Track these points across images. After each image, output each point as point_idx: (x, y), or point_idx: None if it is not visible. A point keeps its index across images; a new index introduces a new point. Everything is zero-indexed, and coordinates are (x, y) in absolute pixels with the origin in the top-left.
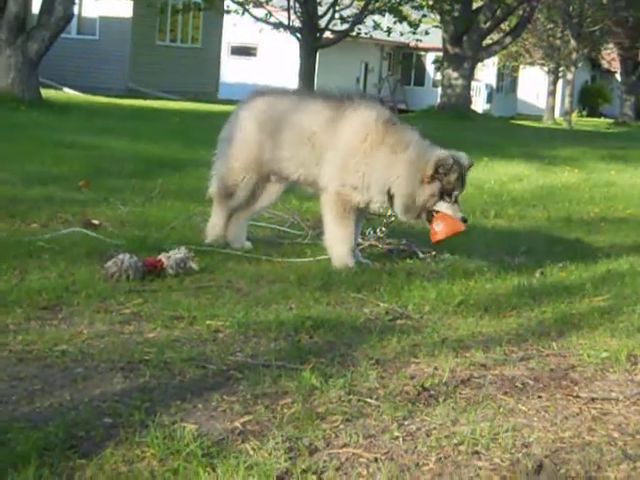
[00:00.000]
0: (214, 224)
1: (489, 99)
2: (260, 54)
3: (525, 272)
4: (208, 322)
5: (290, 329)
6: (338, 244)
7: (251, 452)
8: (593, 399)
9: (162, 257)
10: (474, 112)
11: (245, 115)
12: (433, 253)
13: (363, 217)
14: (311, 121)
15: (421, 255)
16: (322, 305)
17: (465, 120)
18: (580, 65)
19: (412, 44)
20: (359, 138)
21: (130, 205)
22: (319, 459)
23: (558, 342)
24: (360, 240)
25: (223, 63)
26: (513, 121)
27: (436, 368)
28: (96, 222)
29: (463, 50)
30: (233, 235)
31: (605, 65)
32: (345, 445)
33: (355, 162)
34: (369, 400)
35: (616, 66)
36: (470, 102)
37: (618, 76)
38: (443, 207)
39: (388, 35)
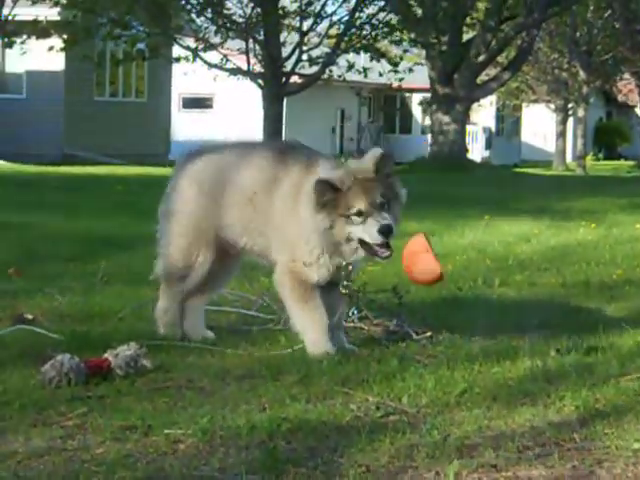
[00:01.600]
0: (165, 309)
1: (488, 145)
2: (217, 105)
3: (539, 351)
4: (166, 431)
5: (263, 434)
6: (309, 329)
7: None
8: None
9: (109, 356)
10: (471, 161)
11: (182, 181)
12: (429, 334)
13: (335, 287)
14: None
15: (415, 336)
16: (301, 403)
17: (461, 171)
18: (592, 100)
19: (394, 85)
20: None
21: (69, 294)
22: None
23: (581, 433)
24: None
25: (174, 118)
26: (517, 169)
27: (438, 473)
28: (29, 317)
29: (454, 89)
30: (190, 325)
31: (621, 98)
32: None
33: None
34: None
35: (634, 99)
36: (466, 150)
37: (638, 110)
38: (358, 233)
39: (365, 76)
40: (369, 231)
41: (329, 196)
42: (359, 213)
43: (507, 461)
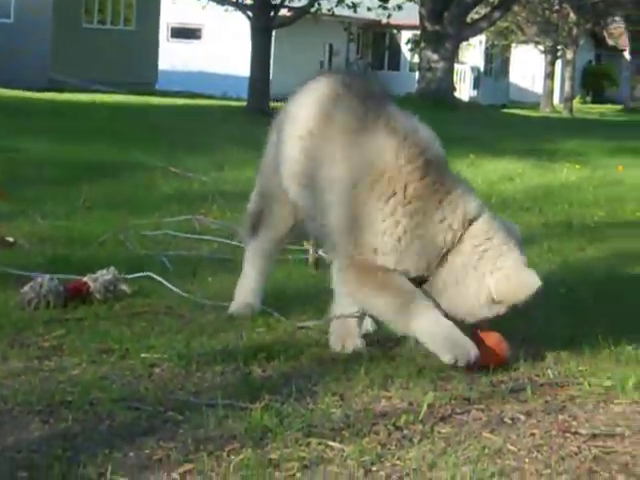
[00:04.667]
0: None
1: (476, 84)
2: (205, 36)
3: None
4: (143, 355)
5: (240, 361)
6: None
7: None
8: (594, 435)
9: (88, 279)
10: (458, 100)
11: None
12: None
13: None
14: None
15: None
16: (278, 331)
17: (448, 110)
18: (582, 43)
19: (383, 21)
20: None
21: (51, 218)
22: None
23: (555, 369)
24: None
25: (162, 48)
26: (504, 110)
27: (411, 403)
28: (10, 240)
29: (444, 27)
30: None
31: (611, 42)
32: None
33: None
34: (331, 443)
35: (624, 43)
36: (453, 88)
37: (627, 54)
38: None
39: (354, 11)
40: None
41: None
42: None
43: (480, 394)
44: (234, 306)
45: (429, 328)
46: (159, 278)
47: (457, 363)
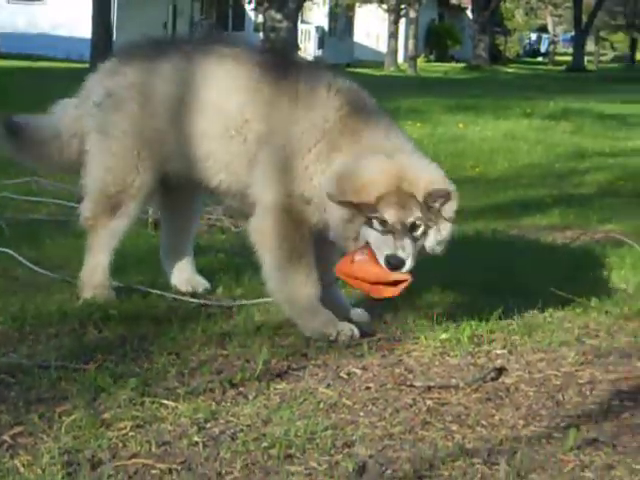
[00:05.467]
0: (93, 266)
1: (321, 44)
2: None
3: None
4: None
5: (75, 322)
6: (300, 296)
7: (22, 469)
8: (429, 388)
9: None
10: None
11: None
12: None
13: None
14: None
15: (234, 229)
16: (116, 292)
17: None
18: (425, 1)
19: None
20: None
21: None
22: (103, 473)
23: (392, 324)
24: None
25: (3, 10)
26: (349, 69)
27: (248, 361)
28: None
29: None
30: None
31: (454, 0)
32: (134, 455)
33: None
34: (165, 401)
35: (467, 1)
36: (298, 48)
37: (469, 13)
38: (371, 238)
39: None
40: (380, 247)
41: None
42: (383, 222)
43: (318, 350)
44: (91, 290)
45: (301, 303)
46: None
47: (313, 337)
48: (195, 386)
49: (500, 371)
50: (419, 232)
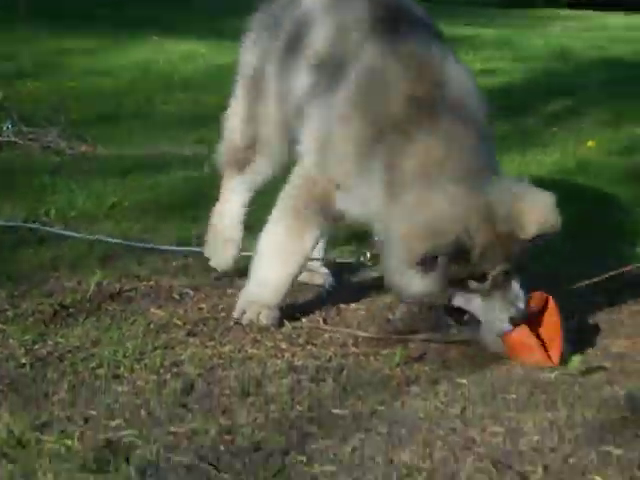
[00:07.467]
0: (220, 212)
1: None
2: None
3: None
4: None
5: None
6: (272, 270)
7: None
8: None
9: None
10: None
11: None
12: (84, 149)
13: None
14: None
15: (69, 151)
16: None
17: None
18: None
19: None
20: None
21: None
22: None
23: None
24: None
25: None
26: None
27: (79, 283)
28: None
29: None
30: None
31: None
32: None
33: None
34: None
35: None
36: None
37: None
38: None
39: None
40: (492, 312)
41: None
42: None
43: (151, 271)
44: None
45: (270, 281)
46: None
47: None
48: (25, 308)
49: None
50: None
